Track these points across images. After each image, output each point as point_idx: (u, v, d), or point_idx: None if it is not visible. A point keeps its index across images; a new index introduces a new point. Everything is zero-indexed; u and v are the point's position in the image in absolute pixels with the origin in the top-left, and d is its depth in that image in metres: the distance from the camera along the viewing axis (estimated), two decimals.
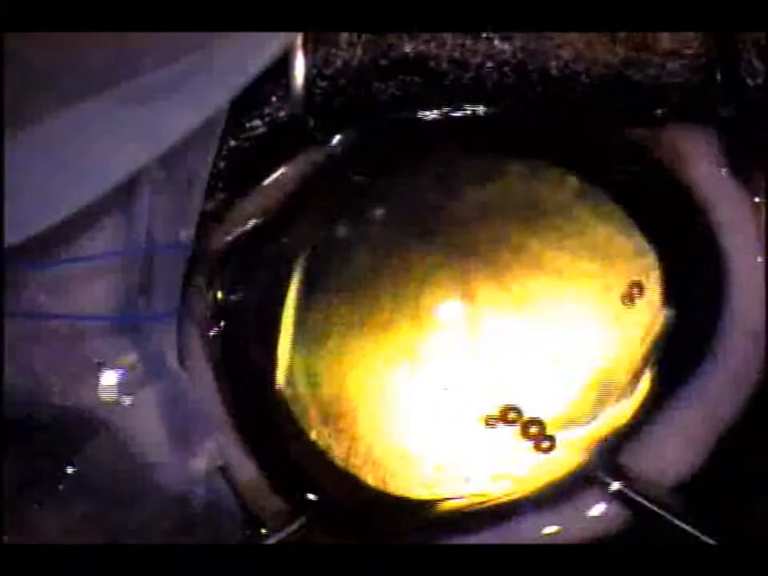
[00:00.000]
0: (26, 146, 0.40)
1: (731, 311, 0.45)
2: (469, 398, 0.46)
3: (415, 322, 0.46)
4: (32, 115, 0.40)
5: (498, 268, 0.46)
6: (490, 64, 0.43)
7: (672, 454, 0.45)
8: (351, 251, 0.47)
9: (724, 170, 0.46)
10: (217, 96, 0.41)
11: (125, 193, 0.42)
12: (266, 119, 0.45)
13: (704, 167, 0.46)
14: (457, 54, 0.44)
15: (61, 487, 0.43)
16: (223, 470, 0.44)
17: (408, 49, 0.44)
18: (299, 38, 0.42)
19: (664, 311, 0.46)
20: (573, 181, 0.47)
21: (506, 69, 0.43)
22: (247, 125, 0.45)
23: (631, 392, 0.46)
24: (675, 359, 0.46)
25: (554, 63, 0.43)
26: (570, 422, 0.46)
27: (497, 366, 0.46)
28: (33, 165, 0.40)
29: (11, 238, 0.40)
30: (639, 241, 0.47)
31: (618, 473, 0.45)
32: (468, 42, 0.43)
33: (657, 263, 0.46)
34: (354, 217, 0.47)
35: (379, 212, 0.48)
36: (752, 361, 0.45)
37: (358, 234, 0.47)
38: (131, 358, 0.44)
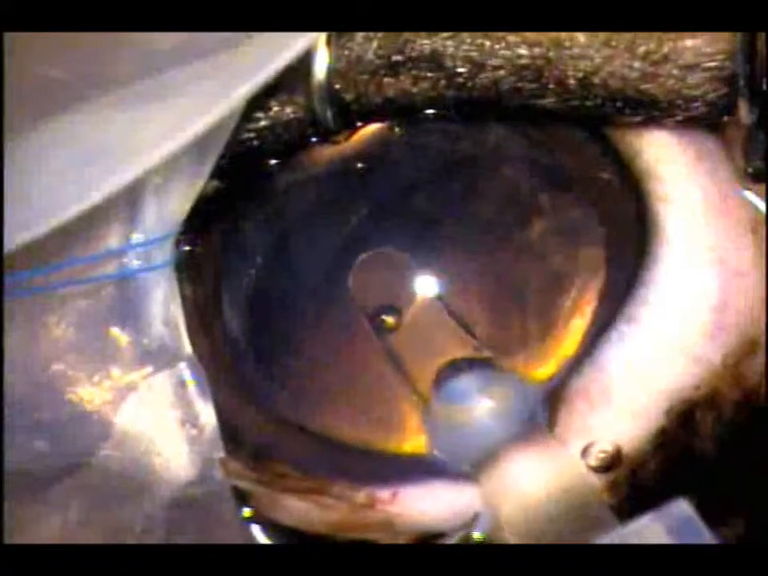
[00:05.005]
0: (39, 145, 0.40)
1: (656, 282, 0.46)
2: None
3: None
4: (46, 113, 0.39)
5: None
6: (508, 67, 0.43)
7: (599, 421, 0.46)
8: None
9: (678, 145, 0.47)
10: (236, 92, 0.40)
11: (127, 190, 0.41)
12: (270, 113, 0.44)
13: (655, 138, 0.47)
14: (474, 54, 0.43)
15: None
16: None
17: (425, 46, 0.43)
18: (323, 36, 0.41)
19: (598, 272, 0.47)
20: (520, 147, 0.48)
21: (525, 74, 0.43)
22: (250, 117, 0.44)
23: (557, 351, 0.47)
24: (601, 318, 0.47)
25: (571, 74, 0.43)
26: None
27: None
28: (47, 162, 0.39)
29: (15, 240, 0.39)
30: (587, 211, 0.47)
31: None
32: (487, 42, 0.43)
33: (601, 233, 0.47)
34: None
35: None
36: (692, 336, 0.46)
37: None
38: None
